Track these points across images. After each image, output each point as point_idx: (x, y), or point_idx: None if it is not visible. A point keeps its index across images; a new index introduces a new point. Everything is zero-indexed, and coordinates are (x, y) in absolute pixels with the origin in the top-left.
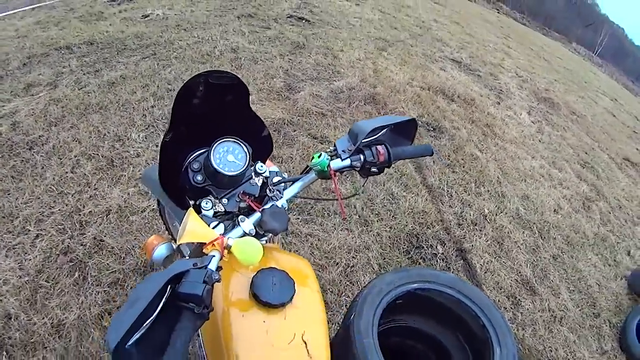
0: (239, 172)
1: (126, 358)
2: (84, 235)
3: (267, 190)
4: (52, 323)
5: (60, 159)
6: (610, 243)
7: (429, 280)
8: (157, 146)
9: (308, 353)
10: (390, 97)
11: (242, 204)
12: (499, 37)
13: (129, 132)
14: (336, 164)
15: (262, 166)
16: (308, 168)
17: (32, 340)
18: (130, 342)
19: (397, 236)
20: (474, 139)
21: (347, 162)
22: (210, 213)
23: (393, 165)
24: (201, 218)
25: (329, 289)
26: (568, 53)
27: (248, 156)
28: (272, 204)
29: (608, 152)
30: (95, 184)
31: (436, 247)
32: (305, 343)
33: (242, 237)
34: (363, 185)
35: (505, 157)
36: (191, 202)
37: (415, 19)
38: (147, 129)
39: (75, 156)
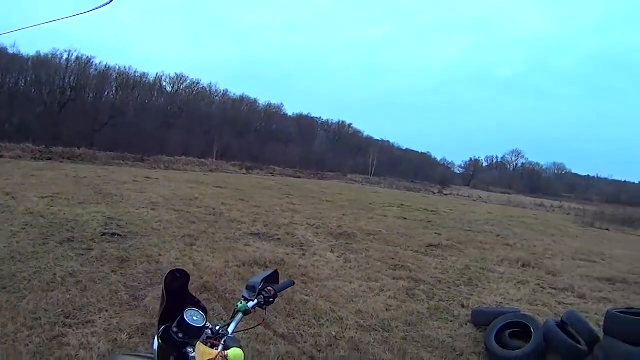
0: (203, 324)
1: None
2: None
3: (220, 331)
4: None
5: None
6: (444, 307)
7: None
8: None
9: None
10: (218, 281)
11: (208, 344)
12: (281, 199)
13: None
14: (250, 304)
15: (208, 322)
16: (235, 311)
17: None
18: None
19: None
20: (297, 289)
21: (256, 301)
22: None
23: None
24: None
25: None
26: (347, 186)
27: (205, 315)
28: (227, 336)
29: (411, 248)
30: None
31: None
32: None
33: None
34: (265, 314)
35: (329, 292)
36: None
37: (206, 209)
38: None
39: None
